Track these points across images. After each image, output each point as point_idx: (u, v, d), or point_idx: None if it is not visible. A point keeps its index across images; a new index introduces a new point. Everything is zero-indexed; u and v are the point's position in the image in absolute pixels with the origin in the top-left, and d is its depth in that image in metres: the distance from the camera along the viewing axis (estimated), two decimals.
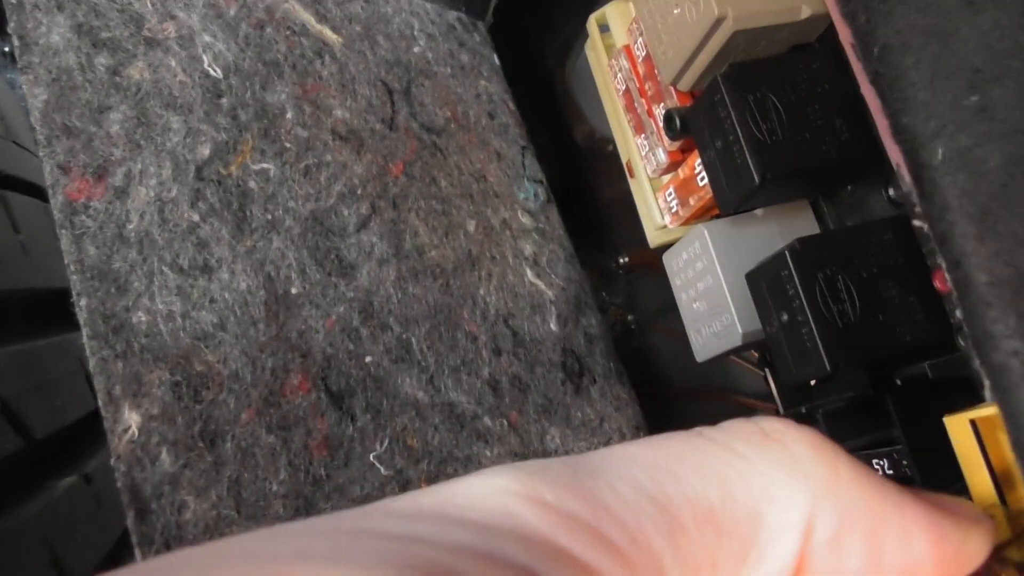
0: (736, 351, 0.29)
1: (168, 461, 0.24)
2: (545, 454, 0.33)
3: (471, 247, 0.36)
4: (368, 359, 0.30)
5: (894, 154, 0.18)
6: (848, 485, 0.14)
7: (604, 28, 0.35)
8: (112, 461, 0.23)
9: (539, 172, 0.42)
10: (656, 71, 0.29)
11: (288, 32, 0.34)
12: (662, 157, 0.31)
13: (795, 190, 0.28)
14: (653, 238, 0.34)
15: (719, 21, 0.24)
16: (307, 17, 0.36)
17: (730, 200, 0.26)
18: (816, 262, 0.23)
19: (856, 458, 0.14)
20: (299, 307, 0.29)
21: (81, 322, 0.24)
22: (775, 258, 0.24)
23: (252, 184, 0.30)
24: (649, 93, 0.31)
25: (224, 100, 0.31)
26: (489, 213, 0.38)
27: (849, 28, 0.18)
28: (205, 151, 0.29)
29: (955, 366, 0.25)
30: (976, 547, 0.14)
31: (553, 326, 0.37)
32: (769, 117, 0.24)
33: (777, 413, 0.32)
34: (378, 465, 0.28)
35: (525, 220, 0.39)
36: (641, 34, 0.30)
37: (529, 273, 0.38)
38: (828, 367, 0.22)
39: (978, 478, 0.18)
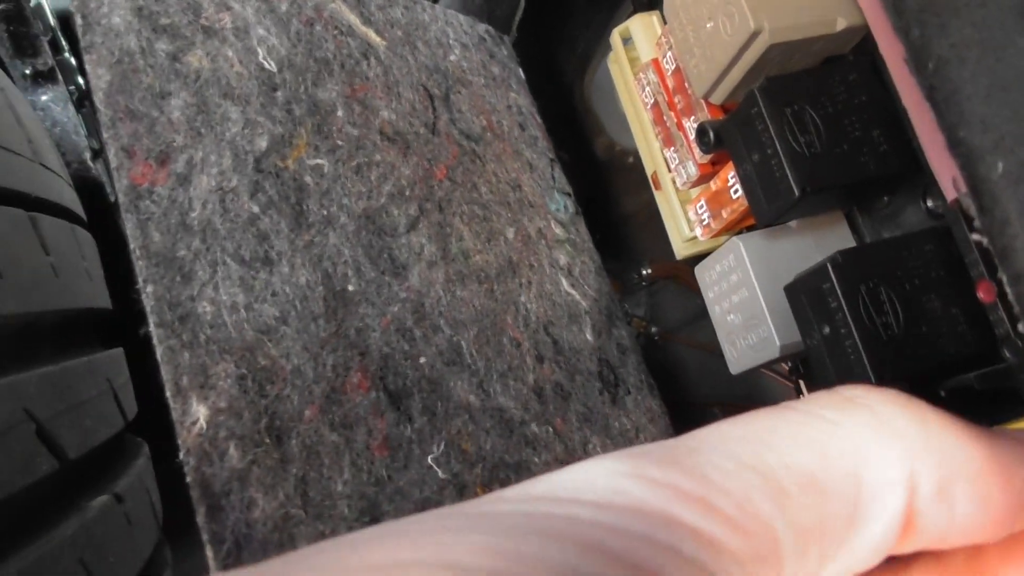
0: (771, 363, 0.30)
1: (236, 457, 0.23)
2: None
3: (511, 254, 0.36)
4: (422, 360, 0.29)
5: (947, 167, 0.18)
6: (941, 436, 0.14)
7: (627, 41, 0.35)
8: (182, 455, 0.22)
9: (567, 184, 0.43)
10: (687, 84, 0.29)
11: (336, 32, 0.34)
12: (692, 170, 0.31)
13: (832, 202, 0.28)
14: (680, 250, 0.34)
15: (755, 35, 0.24)
16: (353, 18, 0.35)
17: (768, 213, 0.26)
18: (858, 274, 0.23)
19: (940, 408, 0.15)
20: (356, 304, 0.28)
21: (148, 309, 0.23)
22: (816, 270, 0.23)
23: (308, 179, 0.29)
24: (679, 106, 0.31)
25: (279, 93, 0.30)
26: (526, 222, 0.38)
27: (903, 43, 0.18)
28: (263, 143, 0.29)
29: (1001, 377, 0.25)
30: None
31: (589, 336, 0.37)
32: (807, 130, 0.24)
33: None
34: (436, 468, 0.28)
35: (558, 231, 0.40)
36: (671, 47, 0.30)
37: (564, 283, 0.38)
38: (873, 380, 0.22)
39: None
